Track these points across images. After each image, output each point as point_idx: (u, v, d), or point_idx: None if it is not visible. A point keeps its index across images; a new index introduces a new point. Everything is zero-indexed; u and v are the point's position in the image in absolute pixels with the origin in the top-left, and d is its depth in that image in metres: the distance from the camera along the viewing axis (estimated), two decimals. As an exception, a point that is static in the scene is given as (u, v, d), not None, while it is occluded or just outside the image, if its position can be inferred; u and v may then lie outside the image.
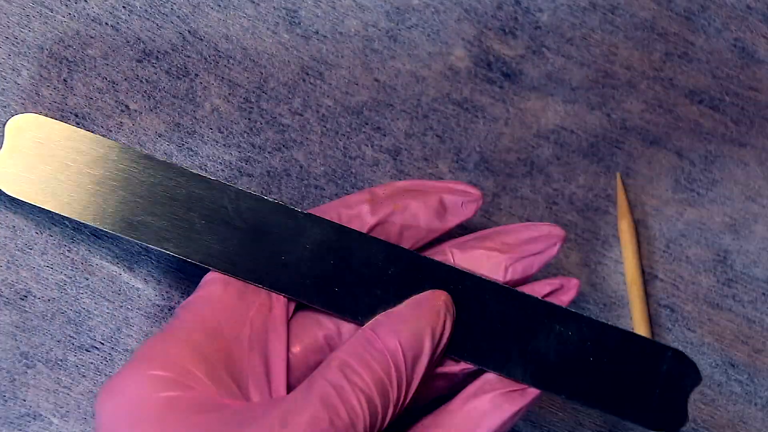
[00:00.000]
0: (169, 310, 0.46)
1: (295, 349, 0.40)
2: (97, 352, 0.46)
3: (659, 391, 0.40)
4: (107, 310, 0.46)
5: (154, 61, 0.48)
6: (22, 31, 0.48)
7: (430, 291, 0.40)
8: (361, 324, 0.40)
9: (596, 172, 0.49)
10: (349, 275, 0.41)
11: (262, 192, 0.48)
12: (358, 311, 0.41)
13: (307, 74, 0.49)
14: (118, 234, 0.42)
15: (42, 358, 0.45)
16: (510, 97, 0.49)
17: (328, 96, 0.49)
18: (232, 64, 0.48)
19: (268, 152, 0.48)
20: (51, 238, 0.46)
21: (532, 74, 0.49)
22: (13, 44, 0.47)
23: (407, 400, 0.37)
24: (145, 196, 0.42)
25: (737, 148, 0.49)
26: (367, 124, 0.49)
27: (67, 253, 0.46)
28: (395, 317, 0.38)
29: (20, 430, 0.45)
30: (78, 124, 0.48)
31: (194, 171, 0.42)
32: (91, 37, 0.48)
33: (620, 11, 0.50)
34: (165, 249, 0.41)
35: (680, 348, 0.48)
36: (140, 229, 0.42)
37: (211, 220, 0.42)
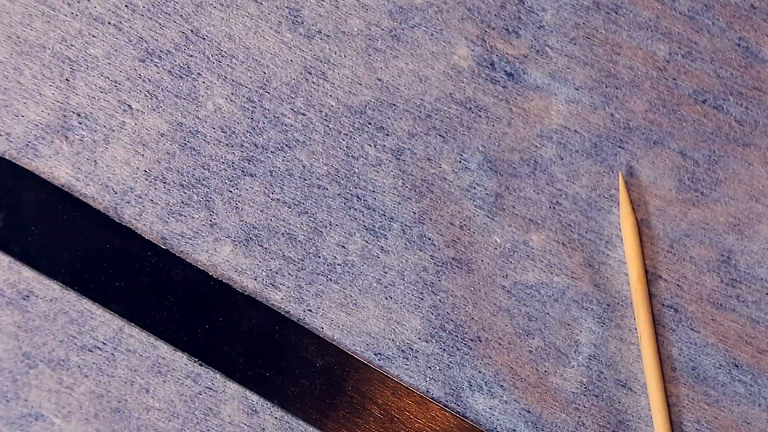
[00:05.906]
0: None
1: None
2: (99, 352, 0.46)
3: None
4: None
5: (156, 61, 0.48)
6: (24, 30, 0.48)
7: None
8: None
9: (599, 172, 0.49)
10: (280, 362, 0.44)
11: (264, 192, 0.48)
12: (286, 399, 0.43)
13: (310, 74, 0.49)
14: None
15: (44, 358, 0.45)
16: (513, 96, 0.49)
17: (330, 95, 0.49)
18: (235, 64, 0.48)
19: (271, 152, 0.48)
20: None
21: (536, 74, 0.49)
22: (15, 43, 0.47)
23: None
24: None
25: (741, 148, 0.49)
26: (369, 123, 0.48)
27: (69, 253, 0.46)
28: None
29: (22, 430, 0.45)
30: (80, 123, 0.48)
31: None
32: (94, 37, 0.48)
33: (624, 10, 0.49)
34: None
35: (684, 348, 0.48)
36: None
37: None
